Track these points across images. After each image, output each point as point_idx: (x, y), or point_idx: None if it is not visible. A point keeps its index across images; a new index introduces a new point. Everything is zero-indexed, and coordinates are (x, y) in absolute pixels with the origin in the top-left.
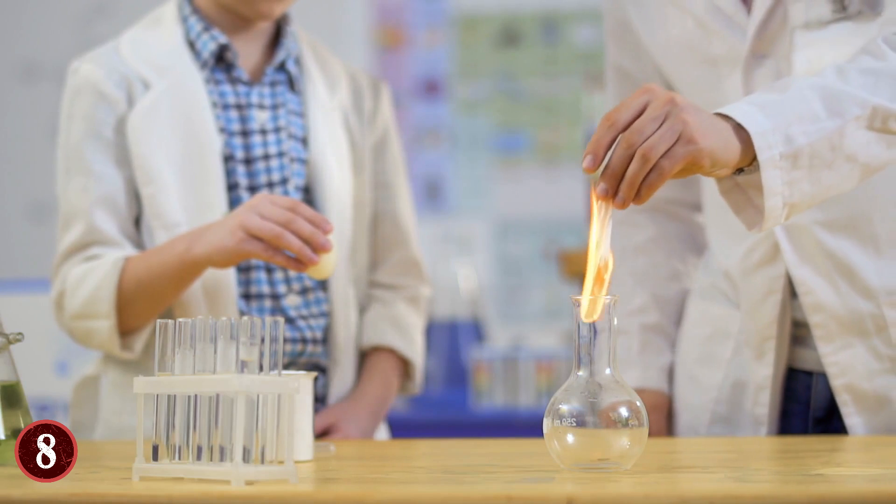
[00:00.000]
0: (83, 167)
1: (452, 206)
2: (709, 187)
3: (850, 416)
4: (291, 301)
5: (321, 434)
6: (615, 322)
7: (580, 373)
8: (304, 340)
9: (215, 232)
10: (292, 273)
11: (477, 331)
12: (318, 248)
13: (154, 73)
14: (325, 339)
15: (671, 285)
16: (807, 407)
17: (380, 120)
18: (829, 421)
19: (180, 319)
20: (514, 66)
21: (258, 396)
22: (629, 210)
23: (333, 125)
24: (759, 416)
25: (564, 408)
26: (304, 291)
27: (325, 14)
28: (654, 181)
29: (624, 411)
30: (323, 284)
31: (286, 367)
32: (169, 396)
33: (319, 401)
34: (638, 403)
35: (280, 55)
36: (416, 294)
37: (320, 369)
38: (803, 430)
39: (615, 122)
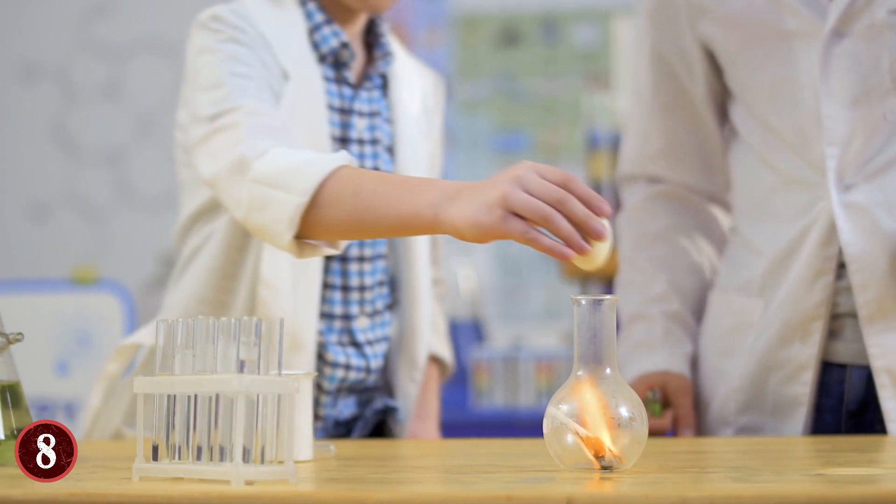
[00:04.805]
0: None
1: None
2: (745, 174)
3: (887, 399)
4: (361, 323)
5: None
6: (630, 309)
7: (580, 373)
8: (368, 370)
9: (470, 200)
10: (367, 296)
11: (477, 331)
12: (592, 235)
13: (290, 64)
14: (385, 366)
15: (689, 275)
16: (839, 401)
17: (436, 119)
18: (862, 414)
19: (180, 319)
20: (514, 66)
21: (258, 396)
22: (644, 198)
23: (414, 132)
24: (798, 395)
25: (564, 408)
26: (373, 314)
27: None
28: None
29: (624, 411)
30: (391, 304)
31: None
32: (169, 396)
33: (390, 413)
34: (638, 403)
35: (386, 60)
36: (442, 292)
37: (384, 391)
38: (836, 424)
39: None
